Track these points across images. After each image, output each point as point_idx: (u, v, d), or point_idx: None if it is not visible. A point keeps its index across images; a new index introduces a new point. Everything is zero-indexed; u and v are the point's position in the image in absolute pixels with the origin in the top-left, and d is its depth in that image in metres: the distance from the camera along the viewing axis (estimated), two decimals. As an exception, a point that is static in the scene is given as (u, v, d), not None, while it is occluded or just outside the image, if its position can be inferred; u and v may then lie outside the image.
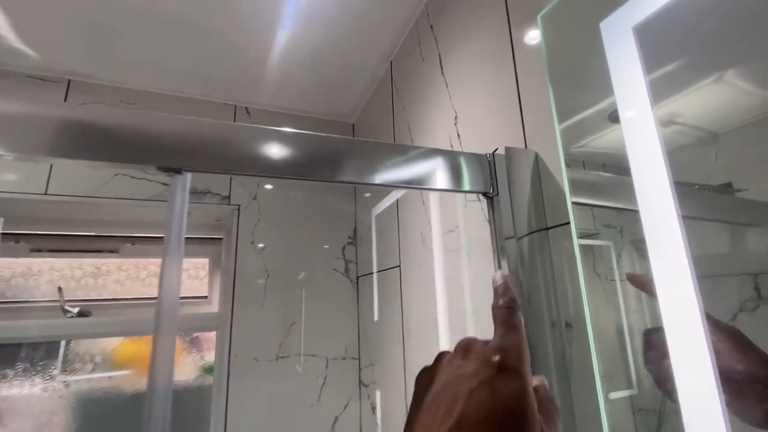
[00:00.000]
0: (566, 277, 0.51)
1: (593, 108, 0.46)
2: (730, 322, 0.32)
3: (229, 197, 1.32)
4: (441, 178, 0.53)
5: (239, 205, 1.32)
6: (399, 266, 1.07)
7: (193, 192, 1.29)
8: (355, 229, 1.48)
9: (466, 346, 0.25)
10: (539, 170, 0.56)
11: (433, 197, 0.90)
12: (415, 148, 0.53)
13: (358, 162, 0.47)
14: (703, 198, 0.37)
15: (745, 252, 0.34)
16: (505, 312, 0.25)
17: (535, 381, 0.24)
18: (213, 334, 1.44)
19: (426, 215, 0.92)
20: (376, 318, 1.23)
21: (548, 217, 0.54)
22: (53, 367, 1.28)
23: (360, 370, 1.35)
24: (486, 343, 0.24)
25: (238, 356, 1.22)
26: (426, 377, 0.26)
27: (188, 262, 1.59)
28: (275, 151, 0.43)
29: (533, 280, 0.53)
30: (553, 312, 0.51)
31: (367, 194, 1.38)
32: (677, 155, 0.34)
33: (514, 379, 0.21)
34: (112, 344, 1.36)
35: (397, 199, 1.10)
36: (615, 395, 0.42)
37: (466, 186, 0.54)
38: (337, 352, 1.34)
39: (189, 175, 0.41)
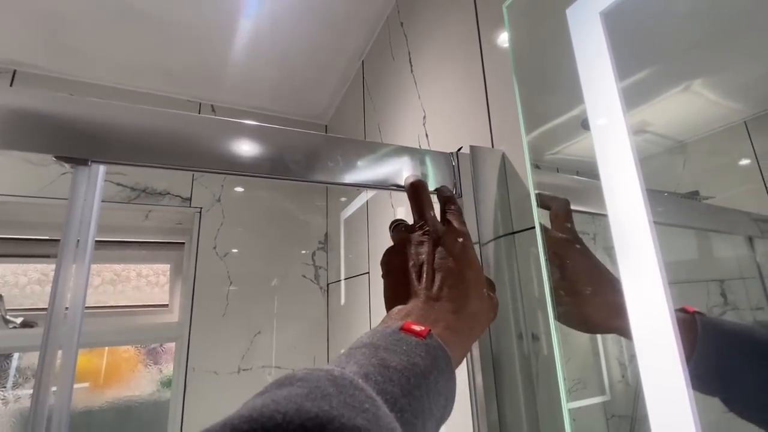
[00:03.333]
0: (534, 285, 0.48)
1: (564, 111, 0.43)
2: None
3: (190, 199, 1.25)
4: (407, 179, 0.49)
5: (201, 208, 1.25)
6: (368, 273, 1.02)
7: (152, 193, 1.21)
8: (327, 234, 1.42)
9: (436, 237, 0.35)
10: (506, 171, 0.52)
11: (401, 200, 0.86)
12: (381, 145, 0.48)
13: (314, 158, 0.43)
14: (671, 204, 0.37)
15: (712, 258, 0.34)
16: (456, 212, 0.38)
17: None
18: (173, 345, 1.35)
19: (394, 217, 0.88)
20: (345, 326, 1.18)
21: (515, 221, 0.50)
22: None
23: (328, 381, 1.29)
24: (444, 227, 0.36)
25: (196, 369, 1.14)
26: (397, 253, 0.36)
27: (148, 268, 1.49)
28: (204, 142, 0.38)
29: (499, 289, 0.50)
30: (520, 323, 0.48)
31: (343, 198, 1.32)
32: (647, 163, 0.34)
33: (469, 250, 0.34)
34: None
35: (367, 201, 1.05)
36: (588, 402, 0.42)
37: (431, 187, 0.50)
38: (305, 363, 1.27)
39: (101, 167, 0.35)
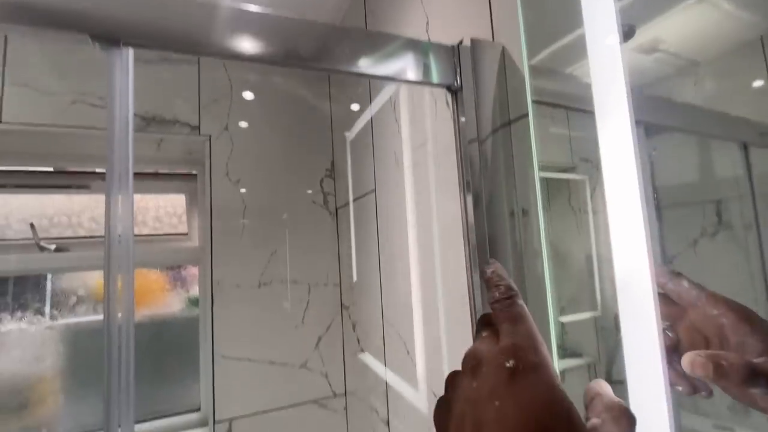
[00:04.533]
0: (528, 173, 0.52)
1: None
2: (690, 248, 0.33)
3: (198, 127, 1.27)
4: (410, 70, 0.51)
5: (210, 135, 1.28)
6: (374, 190, 1.08)
7: (160, 121, 1.24)
8: (333, 161, 1.46)
9: (474, 363, 0.22)
10: (505, 65, 0.55)
11: (404, 112, 0.88)
12: (384, 35, 0.50)
13: (322, 46, 0.45)
14: (663, 105, 0.36)
15: (710, 178, 0.34)
16: (505, 303, 0.24)
17: (596, 388, 0.23)
18: (196, 271, 1.47)
19: (399, 133, 0.91)
20: (354, 244, 1.26)
21: (511, 111, 0.53)
22: (37, 302, 1.30)
23: (341, 293, 1.41)
24: (492, 346, 0.22)
25: (220, 283, 1.25)
26: (443, 410, 0.23)
27: (164, 199, 1.57)
28: (233, 30, 0.41)
29: (495, 179, 0.54)
30: (513, 202, 0.53)
31: (355, 106, 1.33)
32: (658, 85, 0.33)
33: (534, 379, 0.20)
34: (95, 278, 1.38)
35: (372, 118, 1.08)
36: (581, 316, 0.46)
37: (434, 78, 0.52)
38: (318, 278, 1.38)
39: (131, 51, 0.38)
